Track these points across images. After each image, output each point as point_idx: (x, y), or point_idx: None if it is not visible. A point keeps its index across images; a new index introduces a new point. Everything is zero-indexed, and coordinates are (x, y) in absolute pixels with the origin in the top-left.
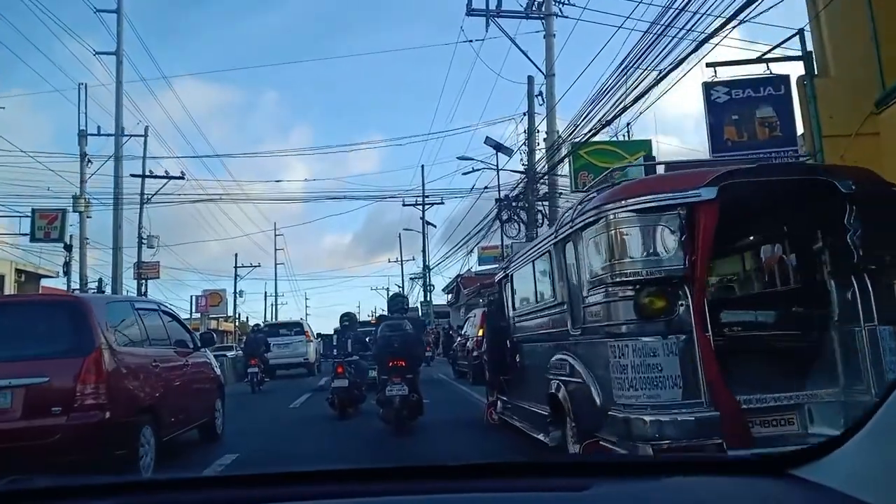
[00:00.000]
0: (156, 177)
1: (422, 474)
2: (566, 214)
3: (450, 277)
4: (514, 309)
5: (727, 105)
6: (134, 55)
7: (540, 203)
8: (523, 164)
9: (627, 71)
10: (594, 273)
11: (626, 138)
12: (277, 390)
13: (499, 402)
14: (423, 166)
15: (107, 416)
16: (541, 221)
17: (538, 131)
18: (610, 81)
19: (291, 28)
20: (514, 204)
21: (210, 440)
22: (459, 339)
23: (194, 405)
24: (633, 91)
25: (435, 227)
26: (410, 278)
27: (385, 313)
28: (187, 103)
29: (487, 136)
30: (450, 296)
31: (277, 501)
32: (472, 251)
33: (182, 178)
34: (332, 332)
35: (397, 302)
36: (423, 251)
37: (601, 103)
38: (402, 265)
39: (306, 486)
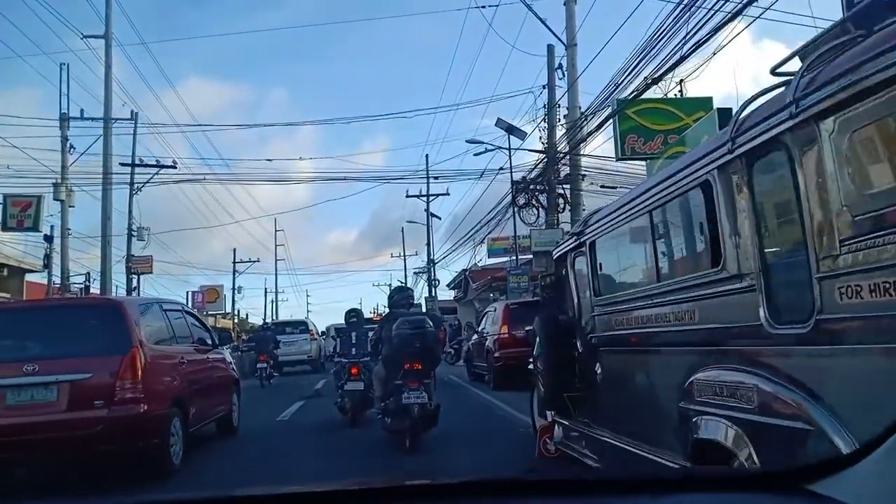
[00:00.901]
0: (146, 165)
1: (414, 493)
2: (749, 111)
3: (455, 272)
4: (596, 294)
5: (875, 7)
6: (133, 52)
7: (560, 186)
8: (542, 143)
9: (692, 6)
10: (868, 207)
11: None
12: (284, 385)
13: (558, 427)
14: (427, 155)
15: (143, 408)
16: (562, 206)
17: (558, 106)
18: (666, 24)
19: (292, 25)
20: (531, 187)
21: (228, 432)
22: (476, 336)
23: (215, 399)
24: (696, 31)
25: (440, 218)
26: (414, 272)
27: (389, 309)
28: (188, 100)
29: (499, 118)
30: (456, 291)
31: None
32: (482, 242)
33: (174, 167)
34: (326, 329)
35: (405, 295)
36: (428, 244)
37: (652, 52)
38: (404, 259)
39: None
